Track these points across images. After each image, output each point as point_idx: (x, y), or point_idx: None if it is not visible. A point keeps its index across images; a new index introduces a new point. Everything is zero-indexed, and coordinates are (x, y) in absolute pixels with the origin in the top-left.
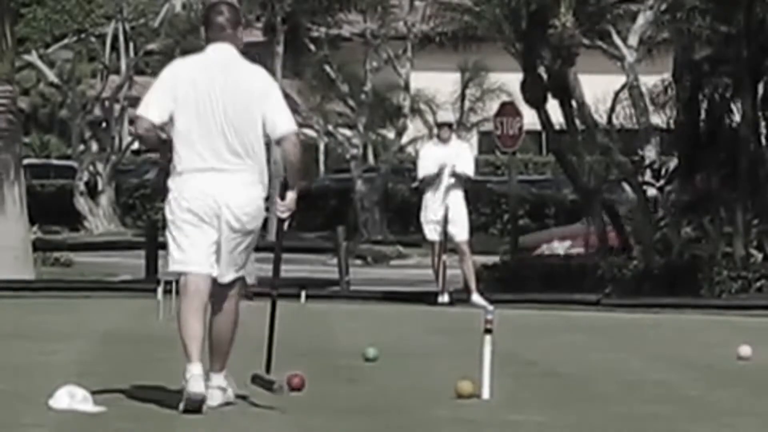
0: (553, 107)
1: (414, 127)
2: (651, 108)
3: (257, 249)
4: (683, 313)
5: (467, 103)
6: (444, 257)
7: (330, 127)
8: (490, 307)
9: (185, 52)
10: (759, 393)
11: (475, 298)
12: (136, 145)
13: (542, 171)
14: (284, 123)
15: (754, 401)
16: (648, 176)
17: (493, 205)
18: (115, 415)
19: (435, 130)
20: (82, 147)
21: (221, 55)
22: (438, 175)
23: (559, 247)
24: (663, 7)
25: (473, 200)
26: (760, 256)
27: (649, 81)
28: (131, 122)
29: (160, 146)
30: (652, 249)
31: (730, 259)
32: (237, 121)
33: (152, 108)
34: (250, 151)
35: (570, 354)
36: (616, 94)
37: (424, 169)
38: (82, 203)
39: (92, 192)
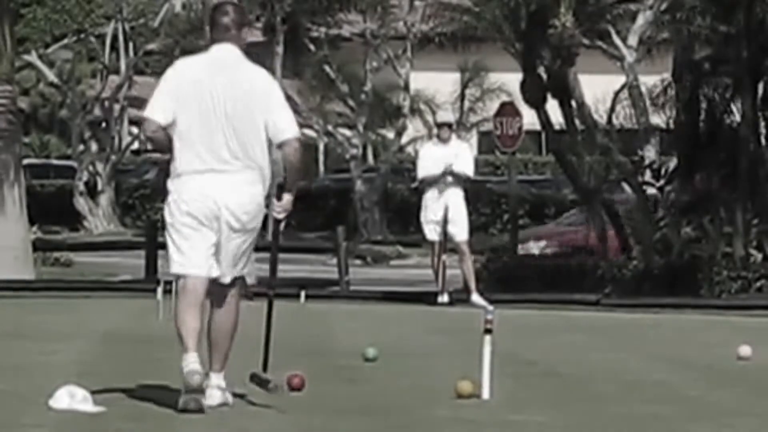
0: (552, 107)
1: (413, 127)
2: (651, 108)
3: (257, 249)
4: (683, 313)
5: (467, 103)
6: (444, 257)
7: (330, 127)
8: (490, 307)
9: (185, 52)
10: (759, 393)
11: (475, 298)
12: (135, 145)
13: (542, 171)
14: (287, 128)
15: (754, 401)
16: (648, 176)
17: (493, 205)
18: (115, 415)
19: (435, 130)
20: (81, 147)
21: (224, 55)
22: (442, 176)
23: (534, 247)
24: (663, 7)
25: (473, 200)
26: (759, 256)
27: (648, 81)
28: (131, 122)
29: (169, 147)
30: (652, 249)
31: (730, 259)
32: (237, 121)
33: (157, 109)
34: (250, 151)
35: (570, 354)
36: (616, 94)
37: (424, 169)
38: (81, 203)
39: (92, 192)
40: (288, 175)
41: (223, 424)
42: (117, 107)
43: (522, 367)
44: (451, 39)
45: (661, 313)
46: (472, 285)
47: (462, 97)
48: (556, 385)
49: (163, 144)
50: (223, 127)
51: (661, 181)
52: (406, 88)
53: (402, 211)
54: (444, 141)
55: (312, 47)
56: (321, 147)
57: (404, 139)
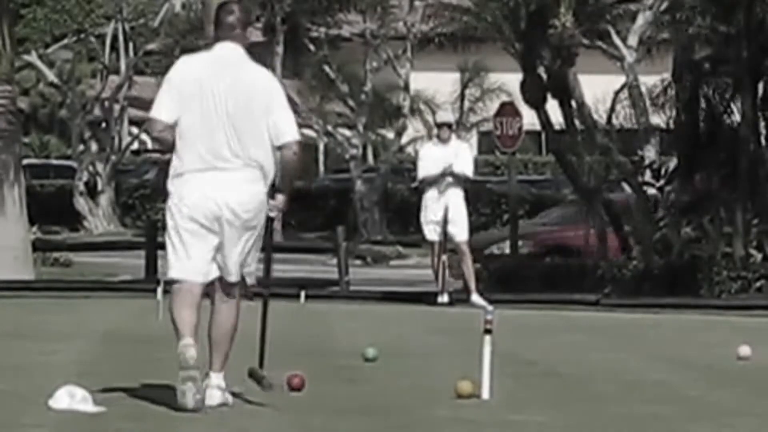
0: (552, 107)
1: (413, 128)
2: (651, 108)
3: None
4: (683, 313)
5: (467, 104)
6: (444, 257)
7: (329, 128)
8: (490, 308)
9: (185, 52)
10: (759, 393)
11: (475, 298)
12: (135, 145)
13: (542, 171)
14: (287, 131)
15: (754, 401)
16: (648, 176)
17: (493, 205)
18: (115, 415)
19: (434, 131)
20: (81, 147)
21: (228, 53)
22: (442, 176)
23: (506, 247)
24: (663, 7)
25: (473, 200)
26: (759, 256)
27: (648, 81)
28: (131, 122)
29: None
30: (652, 249)
31: (730, 259)
32: (238, 120)
33: (162, 109)
34: (251, 149)
35: (570, 354)
36: (616, 94)
37: (424, 169)
38: (81, 203)
39: (92, 192)
40: (283, 176)
41: (223, 424)
42: (117, 107)
43: (522, 367)
44: (451, 39)
45: (661, 313)
46: (472, 285)
47: (462, 97)
48: (556, 385)
49: (170, 143)
50: (224, 125)
51: (661, 181)
52: (406, 88)
53: (402, 211)
54: (444, 141)
55: (312, 47)
56: (321, 147)
57: (404, 139)
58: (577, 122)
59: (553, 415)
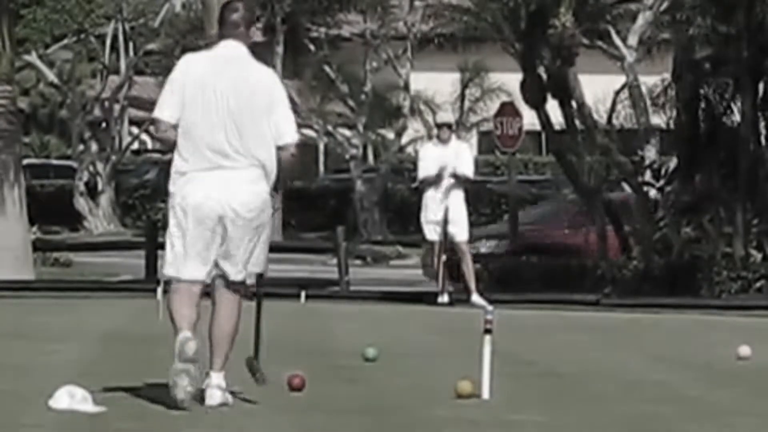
0: (552, 107)
1: (413, 128)
2: (651, 108)
3: None
4: (683, 313)
5: (467, 104)
6: (444, 257)
7: (330, 128)
8: (490, 307)
9: (185, 52)
10: (759, 393)
11: (475, 298)
12: (136, 145)
13: (542, 171)
14: (287, 132)
15: (754, 401)
16: (648, 176)
17: (493, 205)
18: (115, 415)
19: (435, 131)
20: (81, 147)
21: (231, 51)
22: (438, 177)
23: (481, 246)
24: (663, 7)
25: (473, 200)
26: (759, 256)
27: (649, 81)
28: (131, 122)
29: None
30: (652, 249)
31: (730, 259)
32: (239, 118)
33: (165, 108)
34: (253, 148)
35: (570, 354)
36: (616, 94)
37: (424, 169)
38: (81, 203)
39: (92, 192)
40: (279, 177)
41: (223, 424)
42: (117, 107)
43: (522, 367)
44: (451, 39)
45: (661, 313)
46: (472, 285)
47: (462, 97)
48: (555, 385)
49: (173, 143)
50: (225, 123)
51: (661, 181)
52: (406, 88)
53: (402, 211)
54: (444, 141)
55: (312, 47)
56: (321, 147)
57: (404, 140)
58: (577, 122)
59: (553, 414)
